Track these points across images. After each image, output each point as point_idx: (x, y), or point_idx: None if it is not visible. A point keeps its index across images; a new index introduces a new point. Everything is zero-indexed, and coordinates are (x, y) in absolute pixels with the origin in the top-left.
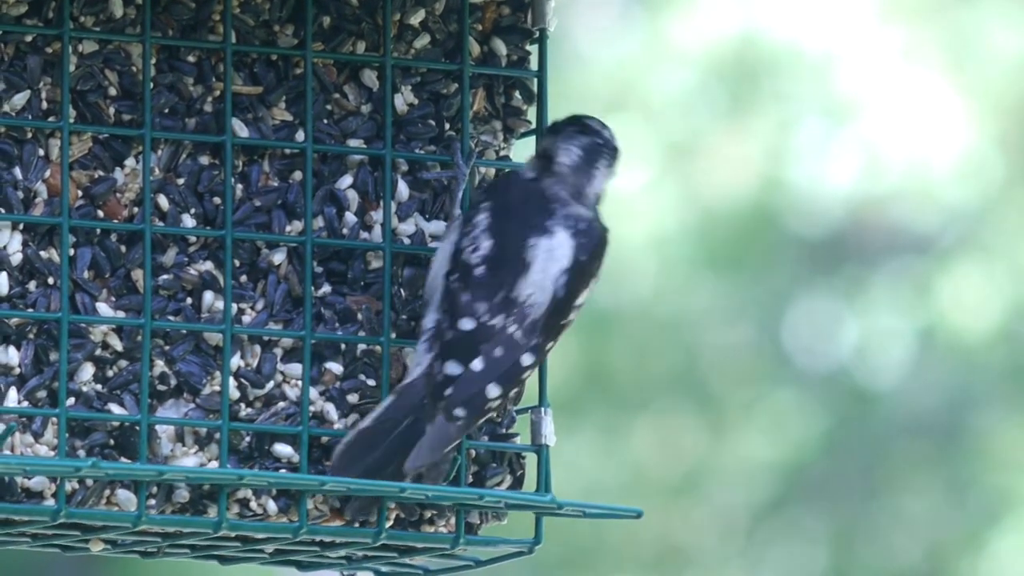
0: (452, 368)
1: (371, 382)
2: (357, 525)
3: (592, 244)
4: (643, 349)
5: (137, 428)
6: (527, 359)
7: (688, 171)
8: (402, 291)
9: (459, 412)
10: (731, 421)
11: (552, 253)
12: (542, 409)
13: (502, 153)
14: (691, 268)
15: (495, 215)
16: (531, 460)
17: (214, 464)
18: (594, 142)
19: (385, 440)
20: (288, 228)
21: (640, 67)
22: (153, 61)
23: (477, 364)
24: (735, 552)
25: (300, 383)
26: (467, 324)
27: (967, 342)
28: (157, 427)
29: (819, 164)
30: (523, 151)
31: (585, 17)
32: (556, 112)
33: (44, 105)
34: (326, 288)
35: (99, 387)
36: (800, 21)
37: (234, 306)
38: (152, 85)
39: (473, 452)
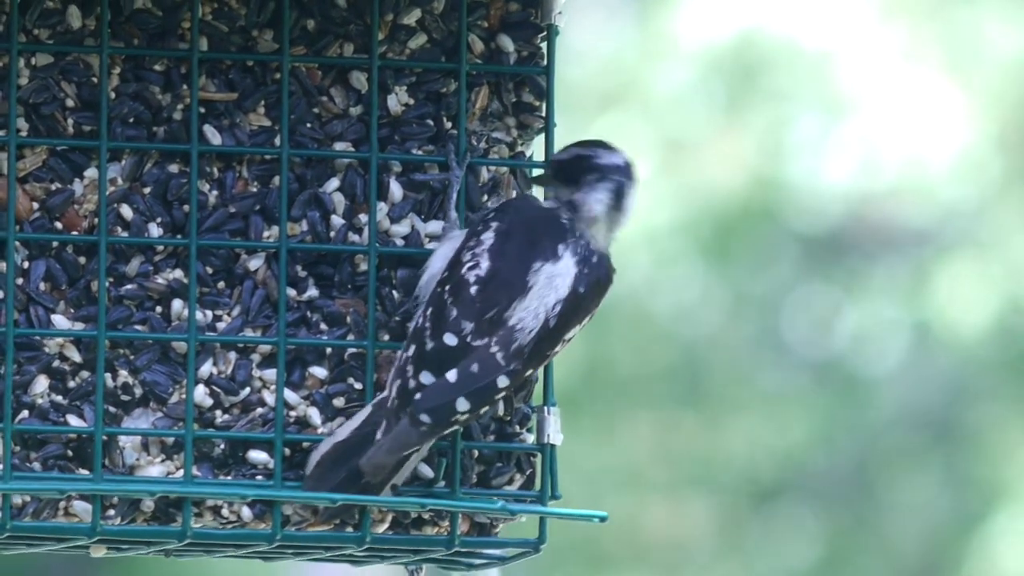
0: (426, 378)
1: (359, 385)
2: (350, 530)
3: (595, 279)
4: (641, 344)
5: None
6: (503, 381)
7: (686, 167)
8: (394, 293)
9: (424, 418)
10: (728, 415)
11: (552, 281)
12: (546, 408)
13: (518, 150)
14: (688, 263)
15: (502, 237)
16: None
17: (179, 473)
18: (618, 183)
19: (357, 455)
20: (267, 233)
21: (638, 63)
22: (117, 71)
23: (451, 375)
24: (733, 545)
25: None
26: (450, 340)
27: (963, 337)
28: (121, 437)
29: (817, 160)
30: (539, 148)
31: (583, 13)
32: (562, 108)
33: None
34: (313, 292)
35: (60, 398)
36: (799, 18)
37: (209, 313)
38: (115, 95)
39: (476, 452)
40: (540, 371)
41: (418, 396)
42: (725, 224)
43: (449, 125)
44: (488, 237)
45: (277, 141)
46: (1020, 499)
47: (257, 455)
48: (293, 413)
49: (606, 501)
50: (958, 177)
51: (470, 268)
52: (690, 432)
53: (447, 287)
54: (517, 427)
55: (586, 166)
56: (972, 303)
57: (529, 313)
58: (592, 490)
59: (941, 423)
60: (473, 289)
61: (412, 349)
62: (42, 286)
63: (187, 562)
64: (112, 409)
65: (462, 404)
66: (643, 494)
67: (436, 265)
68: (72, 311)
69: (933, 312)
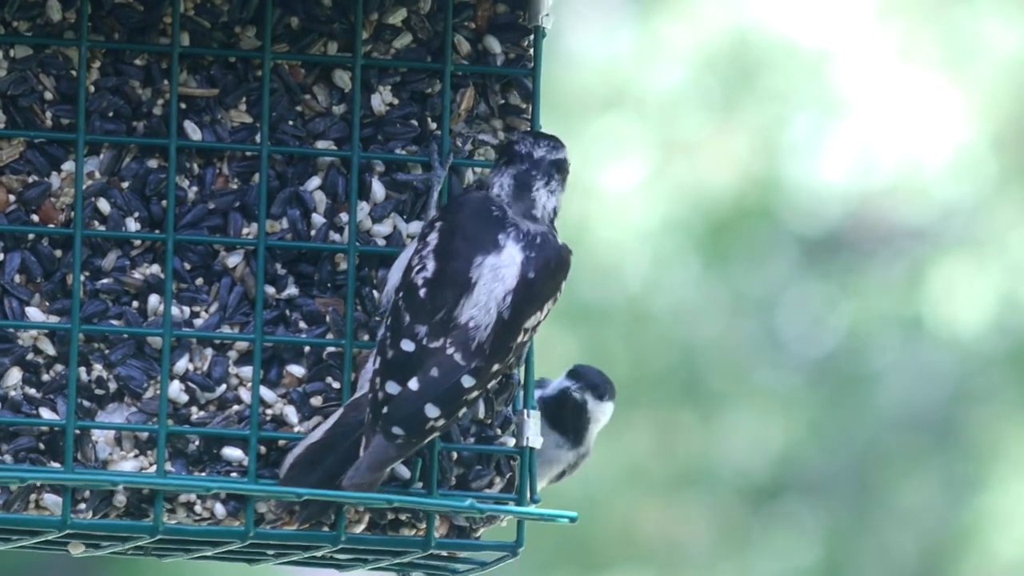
0: (391, 387)
1: (337, 384)
2: (326, 530)
3: (544, 261)
4: (639, 345)
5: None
6: (467, 381)
7: (683, 167)
8: (375, 292)
9: (397, 431)
10: (726, 414)
11: (497, 272)
12: (525, 411)
13: None
14: (685, 263)
15: (444, 235)
16: None
17: (154, 468)
18: (519, 169)
19: (331, 456)
20: (246, 230)
21: (635, 64)
22: (97, 65)
23: (413, 384)
24: (731, 545)
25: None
26: (407, 345)
27: (960, 335)
28: (95, 431)
29: (814, 160)
30: None
31: (580, 15)
32: (550, 110)
33: None
34: (293, 290)
35: (33, 391)
36: (796, 18)
37: (186, 309)
38: (94, 89)
39: (455, 454)
40: (521, 373)
41: (386, 409)
42: (722, 224)
43: (434, 126)
44: (433, 238)
45: (258, 138)
46: (1019, 497)
47: (232, 452)
48: (269, 411)
49: (605, 501)
50: (955, 176)
51: (418, 271)
52: (688, 432)
53: (400, 294)
54: (498, 430)
55: (503, 147)
56: (969, 301)
57: (479, 309)
58: (591, 490)
59: (939, 421)
60: (422, 292)
61: (377, 361)
62: (17, 278)
63: (185, 565)
64: (86, 403)
65: (431, 411)
66: (642, 494)
67: (394, 275)
68: (47, 304)
69: (930, 310)
